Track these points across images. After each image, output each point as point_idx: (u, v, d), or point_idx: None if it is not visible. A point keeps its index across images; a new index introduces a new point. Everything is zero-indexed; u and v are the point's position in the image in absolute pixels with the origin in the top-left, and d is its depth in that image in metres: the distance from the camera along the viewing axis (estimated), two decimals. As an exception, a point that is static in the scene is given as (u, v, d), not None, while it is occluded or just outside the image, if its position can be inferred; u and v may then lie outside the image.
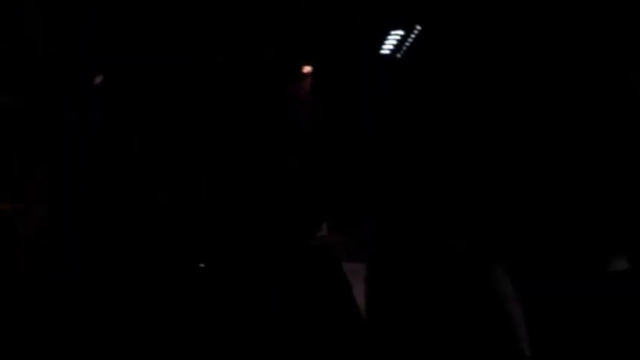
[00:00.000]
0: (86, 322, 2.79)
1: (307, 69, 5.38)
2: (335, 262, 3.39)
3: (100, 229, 3.87)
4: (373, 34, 5.28)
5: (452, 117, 5.17)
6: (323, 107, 5.34)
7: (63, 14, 4.77)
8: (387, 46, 5.34)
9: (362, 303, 3.28)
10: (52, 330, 2.90)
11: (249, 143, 5.09)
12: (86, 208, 4.47)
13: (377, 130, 5.25)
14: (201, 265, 3.61)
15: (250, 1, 5.07)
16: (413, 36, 5.32)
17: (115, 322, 2.64)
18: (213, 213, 4.74)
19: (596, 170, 4.61)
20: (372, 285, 2.93)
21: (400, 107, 5.27)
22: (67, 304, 3.03)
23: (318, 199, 5.04)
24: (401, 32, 5.26)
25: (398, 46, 5.34)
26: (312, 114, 5.31)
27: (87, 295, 3.07)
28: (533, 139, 4.91)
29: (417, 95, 5.27)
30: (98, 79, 4.81)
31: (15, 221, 4.52)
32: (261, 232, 4.32)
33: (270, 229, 4.37)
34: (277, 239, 4.14)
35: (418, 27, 5.28)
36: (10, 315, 3.10)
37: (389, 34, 5.29)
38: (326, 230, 4.70)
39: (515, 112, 4.98)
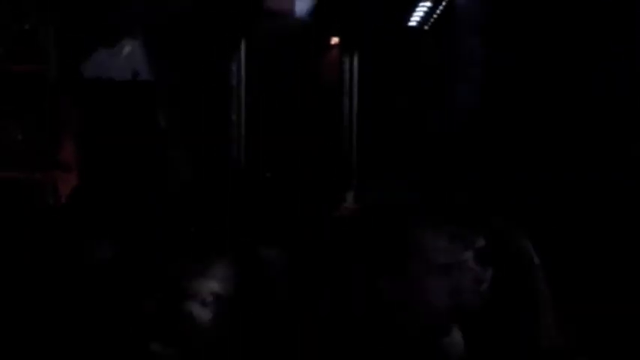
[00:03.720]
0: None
1: (335, 40, 5.39)
2: (359, 231, 3.40)
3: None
4: (401, 5, 5.27)
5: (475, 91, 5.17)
6: (347, 78, 5.35)
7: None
8: (415, 18, 5.34)
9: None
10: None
11: (281, 111, 5.12)
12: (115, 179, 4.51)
13: (403, 101, 5.25)
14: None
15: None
16: (441, 8, 5.32)
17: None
18: (241, 185, 4.77)
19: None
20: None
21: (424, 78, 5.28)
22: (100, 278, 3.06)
23: (343, 171, 5.07)
24: (428, 4, 5.26)
25: (425, 18, 5.34)
26: (339, 84, 5.32)
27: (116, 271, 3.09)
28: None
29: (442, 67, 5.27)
30: (126, 50, 4.84)
31: (46, 190, 4.58)
32: (288, 203, 4.35)
33: (296, 201, 4.40)
34: (303, 211, 4.17)
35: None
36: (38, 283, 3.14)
37: (417, 6, 5.29)
38: (352, 201, 4.73)
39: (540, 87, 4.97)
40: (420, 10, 5.31)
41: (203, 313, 2.29)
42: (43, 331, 2.86)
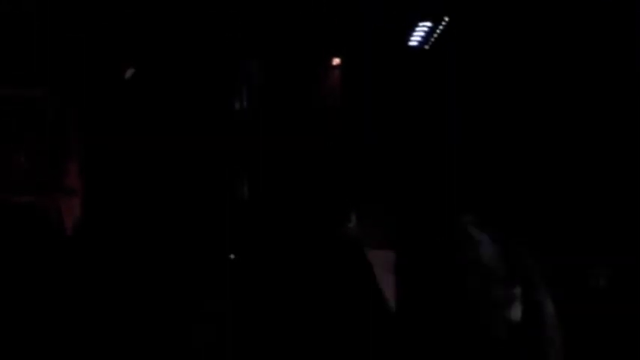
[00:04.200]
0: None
1: (336, 61, 5.41)
2: (362, 252, 3.42)
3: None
4: (401, 25, 5.29)
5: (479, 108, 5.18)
6: (351, 98, 5.36)
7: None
8: (415, 37, 5.35)
9: (390, 292, 3.31)
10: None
11: (283, 135, 5.13)
12: (121, 205, 4.52)
13: (404, 119, 5.26)
14: (231, 256, 3.65)
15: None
16: (441, 27, 5.34)
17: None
18: (246, 204, 4.78)
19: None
20: (401, 274, 2.95)
21: (425, 98, 5.29)
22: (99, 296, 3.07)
23: (346, 190, 5.07)
24: (429, 24, 5.28)
25: (426, 38, 5.36)
26: (340, 104, 5.33)
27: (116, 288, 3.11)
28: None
29: (443, 86, 5.28)
30: (129, 73, 4.87)
31: (50, 214, 4.58)
32: (291, 222, 4.35)
33: (299, 220, 4.41)
34: (306, 230, 4.17)
35: (446, 18, 5.29)
36: (47, 306, 3.15)
37: (417, 26, 5.30)
38: (354, 220, 4.73)
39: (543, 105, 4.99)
40: (421, 30, 5.33)
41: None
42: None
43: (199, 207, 4.76)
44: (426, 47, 5.40)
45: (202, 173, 4.90)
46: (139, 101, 4.87)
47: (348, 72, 5.38)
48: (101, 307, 2.97)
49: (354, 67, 5.38)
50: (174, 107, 4.92)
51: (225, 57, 5.00)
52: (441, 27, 5.31)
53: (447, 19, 5.27)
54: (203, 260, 3.46)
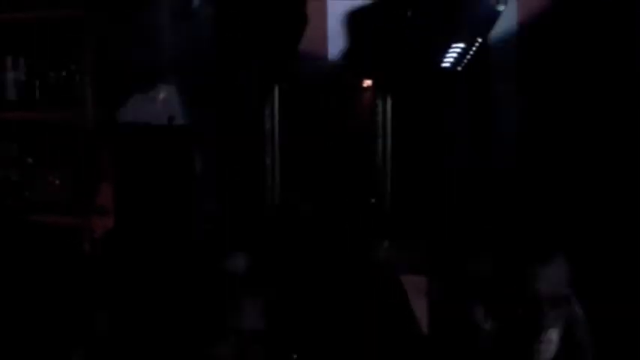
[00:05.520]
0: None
1: (367, 82, 5.40)
2: (394, 276, 3.40)
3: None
4: (434, 47, 5.28)
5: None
6: (380, 121, 5.36)
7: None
8: (448, 59, 5.34)
9: (423, 316, 3.29)
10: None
11: (315, 155, 5.13)
12: (150, 223, 4.53)
13: (439, 142, 5.25)
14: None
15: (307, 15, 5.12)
16: (474, 49, 5.32)
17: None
18: (280, 226, 4.78)
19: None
20: (433, 298, 2.94)
21: (457, 120, 5.27)
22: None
23: (381, 215, 5.06)
24: (462, 45, 5.26)
25: (459, 59, 5.34)
26: (374, 128, 5.33)
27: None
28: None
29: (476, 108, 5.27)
30: (162, 94, 4.90)
31: (81, 235, 4.61)
32: (326, 246, 4.35)
33: (334, 244, 4.40)
34: (340, 253, 4.17)
35: (479, 40, 5.27)
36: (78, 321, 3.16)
37: (450, 47, 5.29)
38: (388, 244, 4.72)
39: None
40: (453, 52, 5.32)
41: None
42: None
43: (229, 225, 4.77)
44: (459, 69, 5.38)
45: (232, 191, 4.91)
46: (171, 125, 4.89)
47: (379, 93, 5.37)
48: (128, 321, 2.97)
49: (385, 88, 5.38)
50: (205, 130, 4.94)
51: (255, 80, 5.02)
52: (474, 48, 5.30)
53: (480, 40, 5.26)
54: (232, 277, 3.46)
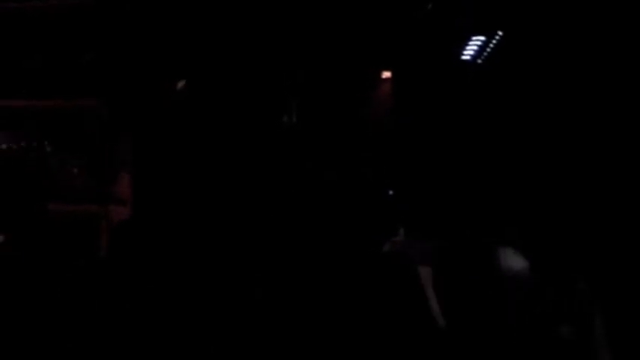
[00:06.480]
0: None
1: (386, 74, 5.39)
2: (409, 266, 3.39)
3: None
4: (454, 39, 5.27)
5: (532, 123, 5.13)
6: (401, 112, 5.35)
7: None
8: (468, 51, 5.32)
9: (436, 306, 3.28)
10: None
11: (331, 148, 5.13)
12: (170, 210, 4.53)
13: (455, 135, 5.23)
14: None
15: (330, 7, 5.11)
16: (494, 42, 5.30)
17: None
18: (294, 219, 4.77)
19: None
20: (441, 288, 2.93)
21: (480, 112, 5.25)
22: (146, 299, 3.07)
23: (395, 204, 5.05)
24: (482, 38, 5.24)
25: (479, 52, 5.32)
26: (391, 119, 5.32)
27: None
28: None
29: (496, 101, 5.24)
30: (180, 84, 4.90)
31: (99, 222, 4.63)
32: (338, 236, 4.34)
33: (346, 234, 4.39)
34: (354, 244, 4.16)
35: (500, 32, 5.25)
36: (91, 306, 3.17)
37: (470, 40, 5.27)
38: (403, 235, 4.70)
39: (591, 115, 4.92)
40: (474, 44, 5.30)
41: None
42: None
43: (247, 220, 4.77)
44: (479, 61, 5.37)
45: (250, 185, 4.90)
46: (190, 112, 4.89)
47: (399, 85, 5.36)
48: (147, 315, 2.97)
49: (405, 80, 5.36)
50: (224, 119, 4.94)
51: (274, 71, 5.01)
52: (494, 41, 5.28)
53: (500, 33, 5.24)
54: (249, 272, 3.46)
